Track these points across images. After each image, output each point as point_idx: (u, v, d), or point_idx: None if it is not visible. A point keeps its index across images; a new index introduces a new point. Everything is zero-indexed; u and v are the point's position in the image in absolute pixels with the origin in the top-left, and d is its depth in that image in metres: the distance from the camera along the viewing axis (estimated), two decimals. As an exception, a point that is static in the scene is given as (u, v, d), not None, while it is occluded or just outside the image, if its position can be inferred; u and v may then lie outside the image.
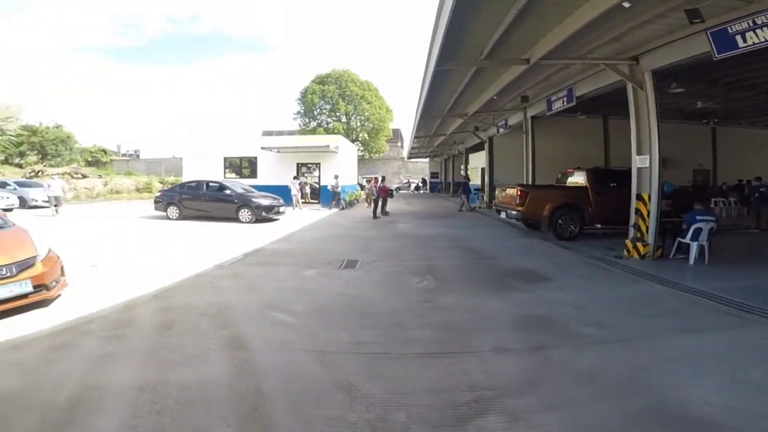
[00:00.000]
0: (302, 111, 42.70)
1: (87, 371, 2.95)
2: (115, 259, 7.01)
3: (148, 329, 3.82)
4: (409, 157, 40.58)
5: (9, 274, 3.79)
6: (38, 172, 26.30)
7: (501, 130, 14.95)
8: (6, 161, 29.02)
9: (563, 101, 9.54)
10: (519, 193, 9.47)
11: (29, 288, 3.90)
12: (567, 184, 10.26)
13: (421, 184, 39.78)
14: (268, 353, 3.39)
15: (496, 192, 11.48)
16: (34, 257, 4.14)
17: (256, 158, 18.96)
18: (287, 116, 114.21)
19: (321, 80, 41.92)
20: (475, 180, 20.54)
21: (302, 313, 4.42)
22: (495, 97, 11.66)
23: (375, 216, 14.24)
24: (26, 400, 2.55)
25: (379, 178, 16.06)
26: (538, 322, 4.11)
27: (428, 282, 5.72)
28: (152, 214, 13.77)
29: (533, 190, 9.78)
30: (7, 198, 14.95)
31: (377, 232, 10.82)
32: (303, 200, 17.93)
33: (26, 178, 22.26)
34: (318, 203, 18.43)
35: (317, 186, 19.15)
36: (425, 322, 4.20)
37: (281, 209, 13.43)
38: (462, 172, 23.86)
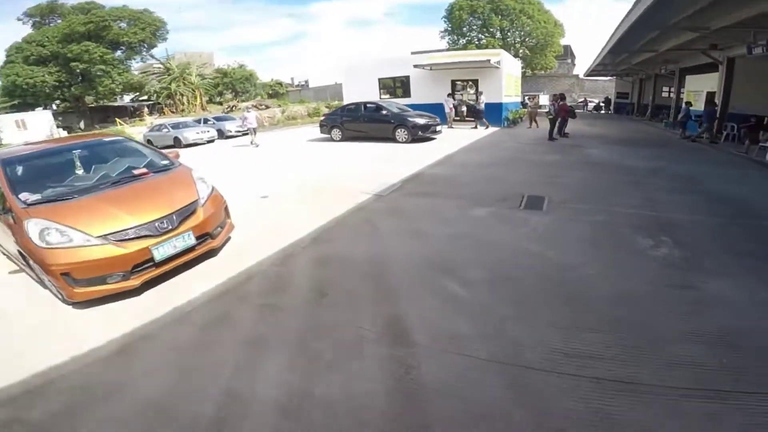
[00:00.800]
0: (449, 29, 38.05)
1: (234, 369, 2.40)
2: (283, 188, 6.90)
3: (302, 297, 3.21)
4: (588, 75, 33.44)
5: (170, 227, 3.33)
6: (232, 107, 31.38)
7: (757, 50, 10.06)
8: (210, 101, 35.60)
9: None
10: None
11: (192, 240, 3.47)
12: None
13: (603, 104, 33.11)
14: (435, 357, 2.42)
15: None
16: (195, 201, 3.67)
17: (408, 77, 18.22)
18: (431, 38, 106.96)
19: (468, -6, 36.14)
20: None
21: (479, 282, 3.25)
22: None
23: (551, 137, 11.72)
24: (167, 417, 2.09)
25: (558, 96, 12.82)
26: None
27: (668, 249, 3.72)
28: (318, 137, 14.35)
29: None
30: (208, 131, 17.59)
31: (560, 158, 8.52)
32: (457, 118, 16.22)
33: (224, 113, 26.39)
34: (474, 122, 16.50)
35: (473, 104, 16.97)
36: (689, 328, 2.54)
37: (437, 128, 12.49)
38: (667, 94, 17.47)
